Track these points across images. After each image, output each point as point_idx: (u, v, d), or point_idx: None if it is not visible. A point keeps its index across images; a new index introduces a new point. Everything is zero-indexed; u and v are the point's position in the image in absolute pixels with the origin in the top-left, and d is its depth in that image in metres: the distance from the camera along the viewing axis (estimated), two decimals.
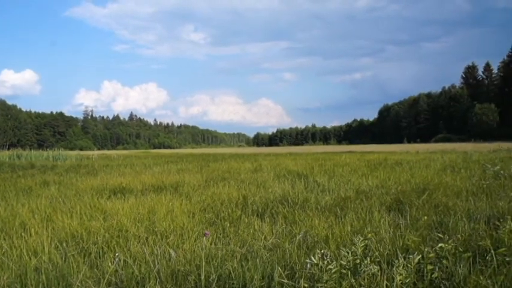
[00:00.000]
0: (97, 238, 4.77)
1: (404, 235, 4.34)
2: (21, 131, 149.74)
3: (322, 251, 3.44)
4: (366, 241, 3.87)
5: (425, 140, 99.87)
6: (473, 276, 3.30)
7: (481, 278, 3.23)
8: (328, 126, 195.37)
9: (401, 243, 4.11)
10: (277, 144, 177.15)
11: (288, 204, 6.73)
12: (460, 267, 3.40)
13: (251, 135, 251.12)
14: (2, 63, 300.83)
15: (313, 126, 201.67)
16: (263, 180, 10.46)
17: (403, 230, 4.63)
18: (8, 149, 63.91)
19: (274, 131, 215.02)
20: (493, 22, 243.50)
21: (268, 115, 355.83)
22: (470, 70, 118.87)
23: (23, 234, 5.01)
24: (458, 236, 4.23)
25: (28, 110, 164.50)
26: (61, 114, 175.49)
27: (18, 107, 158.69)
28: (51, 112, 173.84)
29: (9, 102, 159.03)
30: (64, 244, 4.53)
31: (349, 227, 4.89)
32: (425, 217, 5.13)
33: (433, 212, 5.72)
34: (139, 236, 4.86)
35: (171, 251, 4.00)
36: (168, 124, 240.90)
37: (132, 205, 6.82)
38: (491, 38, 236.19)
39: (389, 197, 7.06)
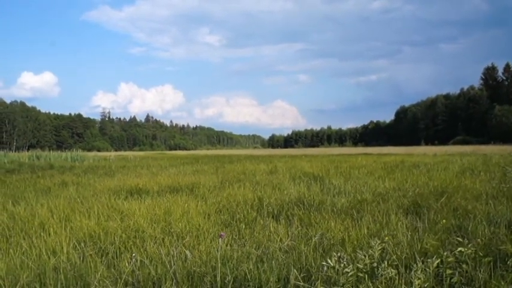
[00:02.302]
0: (114, 238, 4.83)
1: (423, 239, 4.27)
2: (41, 132, 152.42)
3: (339, 254, 3.41)
4: (383, 244, 3.82)
5: (443, 142, 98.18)
6: (493, 281, 3.23)
7: (502, 283, 3.16)
8: (344, 128, 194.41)
9: (419, 247, 4.04)
10: (292, 146, 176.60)
11: (304, 206, 6.70)
12: (480, 272, 3.34)
13: (266, 136, 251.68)
14: (22, 66, 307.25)
15: (329, 128, 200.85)
16: (278, 182, 10.43)
17: (421, 234, 4.56)
18: (28, 150, 65.24)
19: (290, 132, 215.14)
20: (510, 22, 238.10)
21: (283, 117, 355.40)
22: (490, 71, 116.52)
23: (42, 234, 5.10)
24: (478, 240, 4.14)
25: (47, 111, 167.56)
26: (79, 115, 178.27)
27: (38, 109, 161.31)
28: (70, 114, 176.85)
29: (29, 104, 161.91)
30: (82, 244, 4.59)
31: (365, 230, 4.84)
32: (444, 220, 5.04)
33: (451, 215, 5.62)
34: (155, 237, 4.90)
35: (187, 252, 4.02)
36: (183, 126, 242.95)
37: (149, 206, 6.88)
38: (509, 39, 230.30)
39: (407, 199, 6.97)
